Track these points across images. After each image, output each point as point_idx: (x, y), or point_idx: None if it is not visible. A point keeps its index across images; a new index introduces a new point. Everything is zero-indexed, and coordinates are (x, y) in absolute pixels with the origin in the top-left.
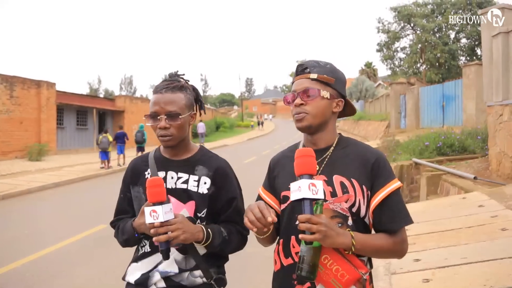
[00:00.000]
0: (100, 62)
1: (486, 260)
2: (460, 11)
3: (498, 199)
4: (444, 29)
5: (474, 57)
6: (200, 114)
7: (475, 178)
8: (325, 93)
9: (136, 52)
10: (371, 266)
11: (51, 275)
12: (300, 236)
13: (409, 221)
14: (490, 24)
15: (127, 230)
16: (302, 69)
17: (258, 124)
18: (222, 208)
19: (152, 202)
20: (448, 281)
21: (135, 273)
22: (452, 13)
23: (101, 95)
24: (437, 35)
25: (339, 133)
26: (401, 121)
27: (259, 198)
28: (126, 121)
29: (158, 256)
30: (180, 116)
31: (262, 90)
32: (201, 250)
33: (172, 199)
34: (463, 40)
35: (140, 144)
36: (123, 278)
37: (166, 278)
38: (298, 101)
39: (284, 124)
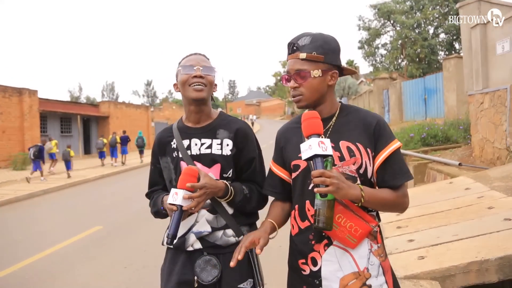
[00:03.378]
0: (80, 70)
1: (476, 235)
2: (438, 7)
3: (483, 181)
4: (423, 25)
5: (453, 51)
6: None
7: (460, 164)
8: (316, 72)
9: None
10: (379, 219)
11: (52, 275)
12: (315, 189)
13: (409, 176)
14: (468, 16)
15: (157, 203)
16: (292, 48)
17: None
18: (242, 167)
19: (179, 187)
20: (442, 256)
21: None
22: (430, 9)
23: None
24: (417, 31)
25: (340, 102)
26: (385, 115)
27: (271, 171)
28: (111, 127)
29: (190, 220)
30: (215, 70)
31: (245, 92)
32: (229, 209)
33: (198, 164)
34: (442, 35)
35: (141, 147)
36: (163, 243)
37: (201, 239)
38: (292, 84)
39: (269, 125)
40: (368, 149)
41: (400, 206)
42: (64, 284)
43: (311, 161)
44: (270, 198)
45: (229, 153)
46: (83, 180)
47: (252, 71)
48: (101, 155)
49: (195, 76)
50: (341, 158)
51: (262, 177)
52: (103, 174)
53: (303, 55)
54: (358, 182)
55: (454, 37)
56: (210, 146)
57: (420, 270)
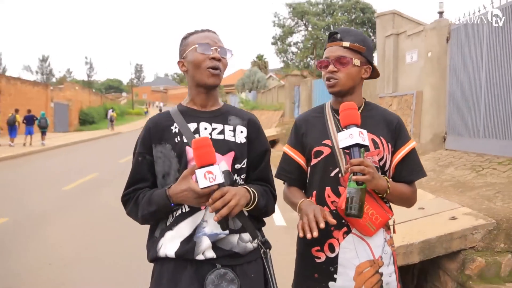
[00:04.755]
0: None
1: (398, 223)
2: (346, 13)
3: None
4: (333, 28)
5: None
6: None
7: None
8: (356, 61)
9: (8, 27)
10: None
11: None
12: (354, 177)
13: (424, 173)
14: (383, 26)
15: (157, 199)
16: (334, 36)
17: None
18: (253, 160)
19: (202, 165)
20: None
21: (173, 242)
22: (340, 14)
23: None
24: (327, 33)
25: (364, 98)
26: (295, 111)
27: (287, 156)
28: (2, 105)
29: (198, 216)
30: (232, 53)
31: (152, 78)
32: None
33: None
34: None
35: (44, 128)
36: (153, 257)
37: (215, 246)
38: (331, 68)
39: None
40: (389, 144)
41: (412, 200)
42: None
43: (349, 150)
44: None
45: (243, 140)
46: None
47: (161, 56)
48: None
49: (213, 58)
50: (366, 149)
51: (272, 177)
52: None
53: (346, 44)
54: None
55: None
56: (222, 132)
57: None
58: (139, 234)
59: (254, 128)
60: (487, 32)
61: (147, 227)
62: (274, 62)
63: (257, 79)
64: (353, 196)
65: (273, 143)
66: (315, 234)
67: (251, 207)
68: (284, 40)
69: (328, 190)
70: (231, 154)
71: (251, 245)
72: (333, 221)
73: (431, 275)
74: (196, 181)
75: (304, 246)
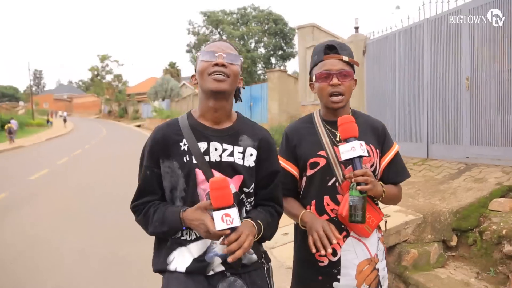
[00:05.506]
0: None
1: None
2: (260, 23)
3: None
4: (246, 38)
5: (269, 65)
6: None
7: None
8: (353, 75)
9: None
10: None
11: None
12: (359, 187)
13: (409, 174)
14: (303, 37)
15: (171, 221)
16: (331, 49)
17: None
18: (261, 181)
19: (219, 207)
20: None
21: (184, 258)
22: (253, 24)
23: None
24: (241, 43)
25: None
26: None
27: (282, 168)
28: None
29: (206, 240)
30: (241, 58)
31: (54, 85)
32: None
33: (217, 173)
34: (261, 50)
35: None
36: (161, 268)
37: (225, 260)
38: (335, 81)
39: (84, 123)
40: (378, 150)
41: (399, 199)
42: None
43: (351, 161)
44: None
45: (252, 164)
46: None
47: (63, 62)
48: None
49: (216, 64)
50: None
51: (281, 194)
52: None
53: (345, 58)
54: None
55: (271, 53)
56: (232, 154)
57: None
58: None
59: (265, 148)
60: (398, 46)
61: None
62: (188, 70)
63: (170, 87)
64: (356, 204)
65: None
66: (329, 251)
67: (255, 239)
68: (199, 48)
69: (326, 198)
70: (240, 178)
71: (255, 256)
72: (339, 237)
73: None
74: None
75: (306, 252)
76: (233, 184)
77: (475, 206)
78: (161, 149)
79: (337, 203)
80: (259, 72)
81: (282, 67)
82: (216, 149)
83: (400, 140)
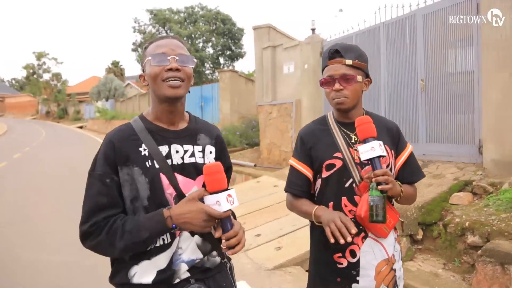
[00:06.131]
0: None
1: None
2: (208, 23)
3: (285, 179)
4: (194, 37)
5: (218, 65)
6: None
7: (255, 165)
8: (359, 77)
9: None
10: None
11: None
12: (380, 187)
13: (423, 174)
14: (260, 38)
15: (151, 224)
16: (334, 54)
17: None
18: None
19: (215, 190)
20: (295, 244)
21: (149, 272)
22: (201, 24)
23: None
24: (189, 42)
25: (363, 108)
26: None
27: (294, 169)
28: None
29: (174, 244)
30: (194, 60)
31: None
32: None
33: (179, 177)
34: (209, 50)
35: None
36: (121, 282)
37: (191, 266)
38: (337, 86)
39: (19, 125)
40: (392, 151)
41: (415, 199)
42: None
43: (370, 161)
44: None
45: (212, 161)
46: None
47: None
48: None
49: (170, 69)
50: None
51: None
52: None
53: (349, 61)
54: None
55: (220, 53)
56: (193, 154)
57: (285, 259)
58: None
59: (221, 145)
60: None
61: None
62: (133, 69)
63: (114, 87)
64: (377, 203)
65: None
66: (349, 239)
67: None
68: (146, 45)
69: (344, 200)
70: (202, 178)
71: (218, 259)
72: (355, 229)
73: None
74: (209, 204)
75: (325, 253)
76: (198, 187)
77: (437, 201)
78: (118, 155)
79: (355, 204)
80: (207, 72)
81: (230, 67)
82: (177, 152)
83: None
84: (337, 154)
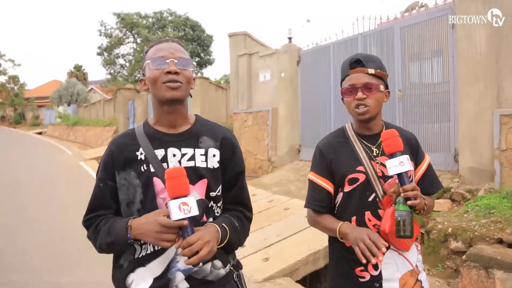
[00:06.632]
0: None
1: (295, 232)
2: (176, 29)
3: (263, 187)
4: None
5: None
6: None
7: None
8: (382, 87)
9: None
10: None
11: None
12: (409, 202)
13: (441, 185)
14: (236, 45)
15: (117, 230)
16: (356, 63)
17: None
18: (227, 182)
19: (175, 196)
20: (282, 255)
21: (145, 279)
22: (170, 29)
23: None
24: None
25: (382, 120)
26: (129, 126)
27: (314, 184)
28: None
29: (171, 251)
30: (193, 63)
31: None
32: None
33: None
34: None
35: None
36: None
37: (189, 276)
38: (360, 95)
39: None
40: (412, 162)
41: (432, 210)
42: None
43: (398, 176)
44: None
45: (216, 165)
46: None
47: None
48: None
49: (169, 72)
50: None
51: (248, 196)
52: None
53: (371, 71)
54: None
55: None
56: (193, 158)
57: (274, 271)
58: None
59: (228, 147)
60: (333, 58)
61: None
62: (97, 74)
63: (77, 92)
64: (405, 219)
65: None
66: (381, 259)
67: (221, 245)
68: (111, 51)
69: (368, 214)
70: (204, 182)
71: (223, 271)
72: (386, 244)
73: (325, 276)
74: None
75: (347, 267)
76: (198, 191)
77: None
78: (116, 160)
79: (379, 218)
80: None
81: (199, 74)
82: (174, 155)
83: None
84: (360, 168)
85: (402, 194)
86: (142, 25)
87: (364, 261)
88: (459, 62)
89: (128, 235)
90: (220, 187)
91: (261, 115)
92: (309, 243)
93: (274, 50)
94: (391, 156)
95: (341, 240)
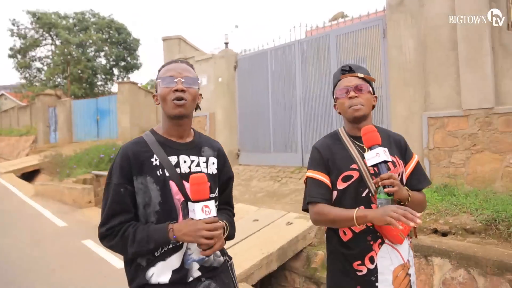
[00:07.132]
0: None
1: (246, 237)
2: (100, 31)
3: None
4: (85, 46)
5: (112, 76)
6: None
7: None
8: (370, 89)
9: None
10: None
11: None
12: (386, 189)
13: (429, 181)
14: (170, 49)
15: (157, 237)
16: (347, 70)
17: None
18: (221, 187)
19: (197, 199)
20: (235, 260)
21: (165, 271)
22: (93, 31)
23: None
24: (81, 50)
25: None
26: (51, 135)
27: (317, 181)
28: None
29: (184, 247)
30: (198, 81)
31: None
32: None
33: (187, 184)
34: (101, 59)
35: None
36: (140, 284)
37: (200, 266)
38: (352, 93)
39: None
40: (401, 161)
41: (425, 205)
42: None
43: (377, 166)
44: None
45: (215, 171)
46: None
47: None
48: None
49: (176, 90)
50: (388, 168)
51: (232, 199)
52: None
53: (361, 75)
54: None
55: (113, 63)
56: (198, 164)
57: None
58: None
59: (222, 157)
60: (270, 63)
61: None
62: (9, 78)
63: None
64: (384, 206)
65: (35, 173)
66: (419, 221)
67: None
68: (26, 54)
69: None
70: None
71: (222, 258)
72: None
73: (276, 278)
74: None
75: (345, 262)
76: None
77: None
78: (133, 165)
79: None
80: (99, 83)
81: (126, 79)
82: (185, 162)
83: (276, 151)
84: (354, 166)
85: (380, 183)
86: (62, 26)
87: (400, 228)
88: (391, 70)
89: (174, 236)
90: (217, 189)
91: (199, 120)
92: (261, 246)
93: (211, 55)
94: (370, 149)
95: (358, 226)
